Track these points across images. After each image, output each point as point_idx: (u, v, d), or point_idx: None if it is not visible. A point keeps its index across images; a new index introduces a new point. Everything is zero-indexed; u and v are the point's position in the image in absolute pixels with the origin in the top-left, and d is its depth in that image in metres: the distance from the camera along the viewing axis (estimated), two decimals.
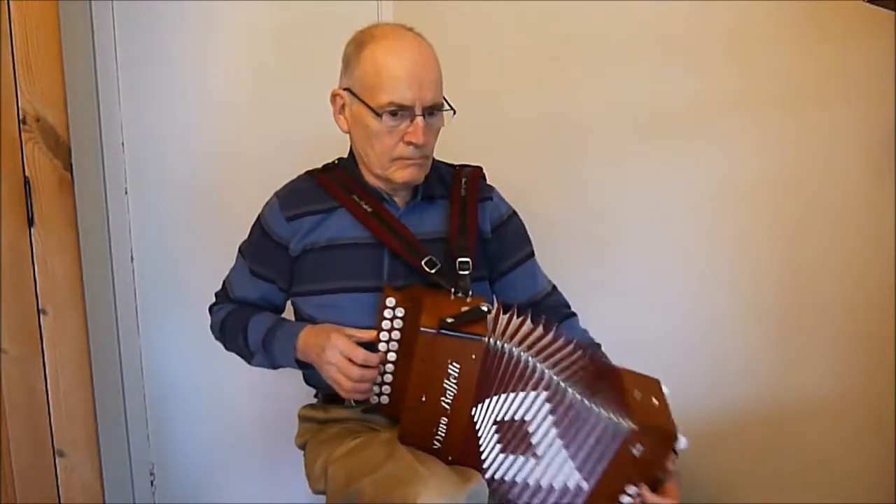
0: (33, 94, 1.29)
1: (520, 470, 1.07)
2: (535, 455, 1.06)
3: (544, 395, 1.04)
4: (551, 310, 1.29)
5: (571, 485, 1.05)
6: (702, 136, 1.56)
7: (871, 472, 1.51)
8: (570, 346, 1.10)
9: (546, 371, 1.04)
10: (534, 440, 1.05)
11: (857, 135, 1.45)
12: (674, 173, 1.59)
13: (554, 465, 1.05)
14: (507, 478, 1.08)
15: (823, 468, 1.55)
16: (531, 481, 1.07)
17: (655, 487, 1.04)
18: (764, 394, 1.58)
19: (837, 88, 1.45)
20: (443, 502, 0.97)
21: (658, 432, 1.01)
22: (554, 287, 1.34)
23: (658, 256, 1.63)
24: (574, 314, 1.34)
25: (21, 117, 1.29)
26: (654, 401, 1.04)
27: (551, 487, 1.06)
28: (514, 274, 1.29)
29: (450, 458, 1.09)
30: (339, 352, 1.10)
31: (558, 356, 1.08)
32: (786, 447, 1.58)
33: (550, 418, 1.04)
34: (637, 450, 1.00)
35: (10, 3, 1.25)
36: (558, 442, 1.04)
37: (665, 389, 1.08)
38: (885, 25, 1.38)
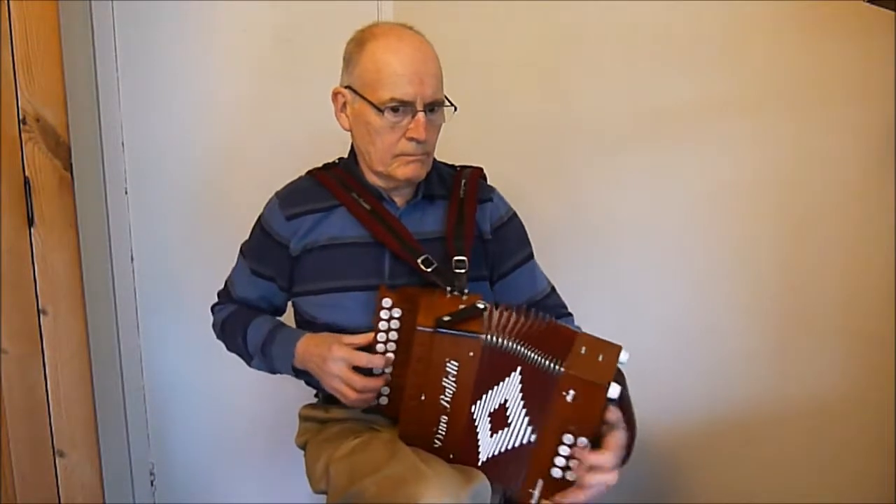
0: (33, 94, 1.29)
1: (498, 443, 1.09)
2: (507, 425, 1.08)
3: (518, 369, 1.06)
4: (550, 311, 1.29)
5: (526, 439, 1.07)
6: (701, 136, 1.56)
7: (871, 472, 1.51)
8: (534, 318, 1.11)
9: (519, 348, 1.06)
10: (508, 413, 1.07)
11: (857, 135, 1.44)
12: (673, 173, 1.59)
13: (519, 426, 1.07)
14: (491, 455, 1.09)
15: (823, 468, 1.55)
16: (503, 449, 1.08)
17: (599, 443, 1.04)
18: (763, 394, 1.58)
19: (837, 88, 1.45)
20: (446, 502, 0.98)
21: (587, 378, 1.01)
22: (553, 288, 1.34)
23: (657, 256, 1.63)
24: (570, 314, 1.34)
25: (21, 117, 1.29)
26: (600, 357, 1.04)
27: (513, 447, 1.08)
28: (513, 275, 1.29)
29: (451, 455, 1.10)
30: (342, 362, 1.10)
31: (528, 331, 1.09)
32: (785, 447, 1.58)
33: (520, 386, 1.06)
34: (570, 395, 1.01)
35: (10, 3, 1.25)
36: (524, 409, 1.07)
37: (623, 355, 1.07)
38: (885, 25, 1.38)
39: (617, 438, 1.03)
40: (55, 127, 1.31)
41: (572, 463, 1.04)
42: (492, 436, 1.09)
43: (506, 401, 1.07)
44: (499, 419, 1.08)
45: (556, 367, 1.02)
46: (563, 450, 1.04)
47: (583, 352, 1.04)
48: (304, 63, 1.71)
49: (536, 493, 1.06)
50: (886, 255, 1.45)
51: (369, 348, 1.13)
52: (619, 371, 1.05)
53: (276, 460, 1.86)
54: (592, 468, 1.01)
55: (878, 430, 1.49)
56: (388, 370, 1.14)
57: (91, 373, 1.41)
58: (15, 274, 1.31)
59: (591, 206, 1.67)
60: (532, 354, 1.05)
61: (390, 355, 1.13)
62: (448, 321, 1.04)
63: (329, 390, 1.14)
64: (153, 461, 1.89)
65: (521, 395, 1.06)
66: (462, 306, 1.08)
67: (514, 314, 1.10)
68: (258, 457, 1.89)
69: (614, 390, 1.00)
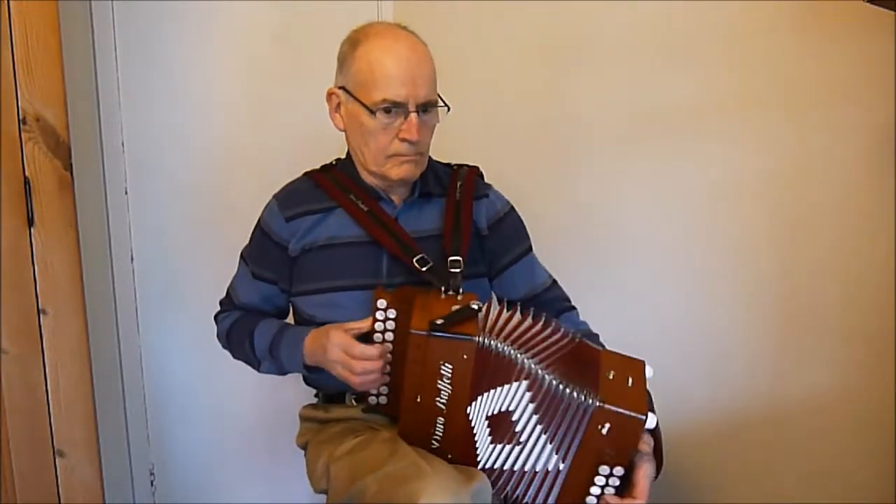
0: (33, 94, 1.29)
1: (507, 458, 1.09)
2: (519, 442, 1.07)
3: (525, 383, 1.05)
4: (551, 303, 1.30)
5: (551, 466, 1.07)
6: (701, 136, 1.56)
7: (871, 472, 1.51)
8: (550, 331, 1.10)
9: (526, 361, 1.05)
10: (517, 428, 1.07)
11: (857, 134, 1.44)
12: (673, 173, 1.59)
13: (536, 449, 1.07)
14: (495, 467, 1.09)
15: (823, 468, 1.55)
16: (516, 467, 1.08)
17: (632, 470, 1.05)
18: (763, 394, 1.58)
19: (837, 88, 1.45)
20: (447, 501, 0.97)
21: (623, 411, 1.00)
22: (554, 281, 1.34)
23: (657, 256, 1.63)
24: (573, 308, 1.34)
25: (21, 117, 1.29)
26: (630, 381, 1.04)
27: (534, 471, 1.08)
28: (513, 269, 1.29)
29: (449, 456, 1.10)
30: (338, 348, 1.11)
31: (542, 345, 1.09)
32: (785, 447, 1.58)
33: (531, 405, 1.06)
34: (605, 428, 1.00)
35: (10, 3, 1.25)
36: (539, 427, 1.06)
37: (648, 371, 1.07)
38: (885, 25, 1.38)
39: (647, 471, 1.05)
40: (55, 127, 1.31)
41: (607, 490, 1.05)
42: (493, 444, 1.08)
43: (510, 411, 1.06)
44: (502, 429, 1.07)
45: (590, 399, 1.01)
46: (599, 479, 1.05)
47: (611, 377, 1.04)
48: (304, 63, 1.71)
49: None
50: (886, 254, 1.45)
51: (368, 338, 1.12)
52: (647, 393, 1.05)
53: (276, 460, 1.86)
54: None
55: (878, 430, 1.49)
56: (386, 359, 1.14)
57: (91, 373, 1.41)
58: (15, 274, 1.31)
59: (591, 206, 1.67)
60: (546, 376, 1.04)
61: (388, 355, 1.13)
62: (441, 324, 1.04)
63: (337, 377, 1.14)
64: (153, 461, 1.89)
65: (533, 412, 1.05)
66: (456, 307, 1.08)
67: (510, 314, 1.10)
68: (258, 457, 1.89)
69: (651, 421, 1.00)
